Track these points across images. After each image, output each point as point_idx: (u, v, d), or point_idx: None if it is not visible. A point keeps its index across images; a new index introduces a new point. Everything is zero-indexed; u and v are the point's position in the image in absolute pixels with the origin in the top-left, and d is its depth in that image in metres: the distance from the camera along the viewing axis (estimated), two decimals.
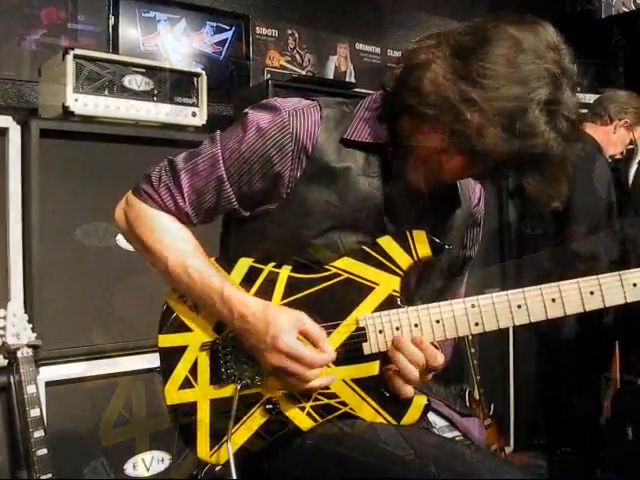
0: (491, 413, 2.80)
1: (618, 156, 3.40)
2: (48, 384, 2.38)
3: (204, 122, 2.81)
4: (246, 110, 1.46)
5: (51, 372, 2.40)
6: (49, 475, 2.17)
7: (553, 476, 2.97)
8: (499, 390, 3.32)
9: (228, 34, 3.50)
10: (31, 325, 2.24)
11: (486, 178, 1.43)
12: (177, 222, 1.47)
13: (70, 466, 2.38)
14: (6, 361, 2.25)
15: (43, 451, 2.17)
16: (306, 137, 1.39)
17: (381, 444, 1.29)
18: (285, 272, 1.42)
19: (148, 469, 2.59)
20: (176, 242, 1.44)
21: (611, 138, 3.36)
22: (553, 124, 1.21)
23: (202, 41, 3.44)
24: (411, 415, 1.36)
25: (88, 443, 2.44)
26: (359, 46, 3.99)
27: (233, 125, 1.47)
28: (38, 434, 2.16)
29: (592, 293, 1.29)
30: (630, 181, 3.53)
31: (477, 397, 2.80)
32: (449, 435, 1.50)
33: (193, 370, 1.44)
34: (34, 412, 2.17)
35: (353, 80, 3.92)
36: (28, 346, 2.21)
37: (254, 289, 1.42)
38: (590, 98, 3.72)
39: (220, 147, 1.43)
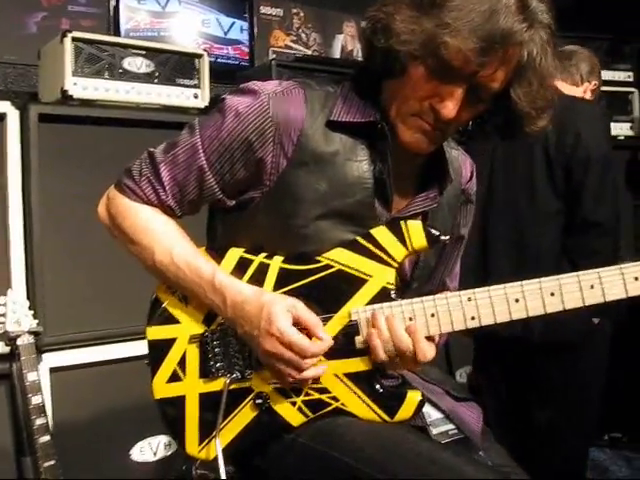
0: None
1: None
2: (52, 370, 2.38)
3: (207, 104, 2.77)
4: (224, 95, 1.41)
5: (55, 358, 2.40)
6: (52, 462, 2.17)
7: None
8: None
9: (233, 15, 3.43)
10: (32, 312, 2.22)
11: (481, 118, 1.37)
12: (161, 214, 1.43)
13: (75, 452, 2.37)
14: (8, 348, 2.24)
15: (46, 438, 2.17)
16: (289, 121, 1.34)
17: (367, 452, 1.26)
18: (276, 263, 1.38)
19: (155, 454, 2.59)
20: (162, 234, 1.41)
21: None
22: (529, 22, 1.22)
23: (206, 22, 3.37)
24: (405, 411, 1.33)
25: (93, 428, 2.45)
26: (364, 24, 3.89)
27: (211, 112, 1.42)
28: (40, 421, 2.16)
29: (592, 287, 1.24)
30: None
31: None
32: (443, 428, 1.45)
33: (182, 363, 1.41)
34: (36, 399, 2.16)
35: (361, 59, 3.82)
36: (29, 333, 2.20)
37: (245, 280, 1.38)
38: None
39: (199, 136, 1.39)
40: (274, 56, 3.45)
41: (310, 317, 1.31)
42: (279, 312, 1.29)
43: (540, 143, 2.48)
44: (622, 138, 3.72)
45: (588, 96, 2.84)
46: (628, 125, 3.75)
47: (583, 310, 1.26)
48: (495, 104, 1.32)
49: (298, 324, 1.30)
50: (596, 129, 2.50)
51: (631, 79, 3.83)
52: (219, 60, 3.31)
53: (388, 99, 1.35)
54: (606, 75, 3.70)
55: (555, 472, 2.52)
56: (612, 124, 3.62)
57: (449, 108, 1.26)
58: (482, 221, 2.56)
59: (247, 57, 3.44)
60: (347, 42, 3.85)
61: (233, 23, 3.42)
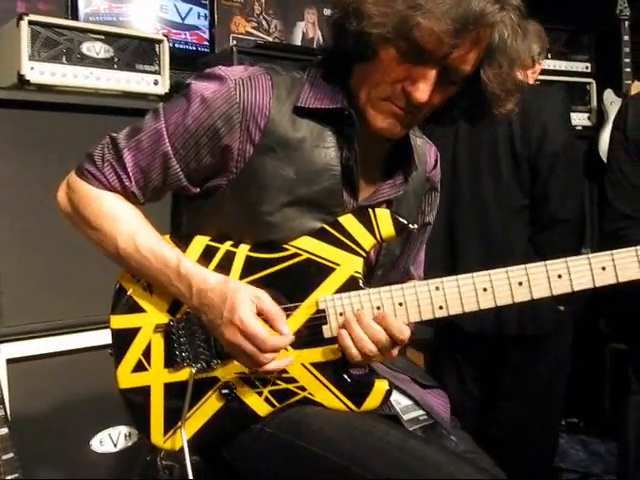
0: None
1: None
2: (9, 361, 2.33)
3: (167, 90, 2.72)
4: (189, 80, 1.38)
5: (12, 349, 2.34)
6: (11, 454, 2.12)
7: None
8: None
9: (190, 1, 3.38)
10: None
11: (450, 101, 1.37)
12: (124, 201, 1.40)
13: (34, 444, 2.33)
14: None
15: (4, 430, 2.12)
16: (256, 107, 1.32)
17: (335, 441, 1.26)
18: (243, 251, 1.36)
19: (115, 445, 2.56)
20: (125, 221, 1.38)
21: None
22: (500, 4, 1.23)
23: (164, 7, 3.32)
24: (372, 400, 1.33)
25: (52, 420, 2.41)
26: (328, 12, 3.87)
27: (175, 97, 1.39)
28: None
29: (560, 276, 1.25)
30: (603, 151, 3.44)
31: None
32: (413, 414, 1.46)
33: (147, 353, 1.39)
34: None
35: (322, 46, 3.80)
36: None
37: (211, 268, 1.36)
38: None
39: (164, 121, 1.36)
40: (235, 42, 3.41)
41: (273, 309, 1.30)
42: (242, 301, 1.27)
43: (504, 135, 2.47)
44: (580, 128, 3.76)
45: (531, 81, 2.77)
46: (586, 115, 3.80)
47: (550, 299, 1.27)
48: (464, 87, 1.32)
49: (261, 315, 1.29)
50: (562, 120, 2.49)
51: (589, 70, 3.87)
52: (177, 45, 3.26)
53: (358, 84, 1.34)
54: (564, 66, 3.76)
55: (526, 460, 2.55)
56: (571, 114, 3.67)
57: (422, 90, 1.25)
58: (448, 218, 2.55)
59: (205, 43, 3.40)
60: (308, 29, 3.82)
61: (190, 9, 3.37)
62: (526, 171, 2.47)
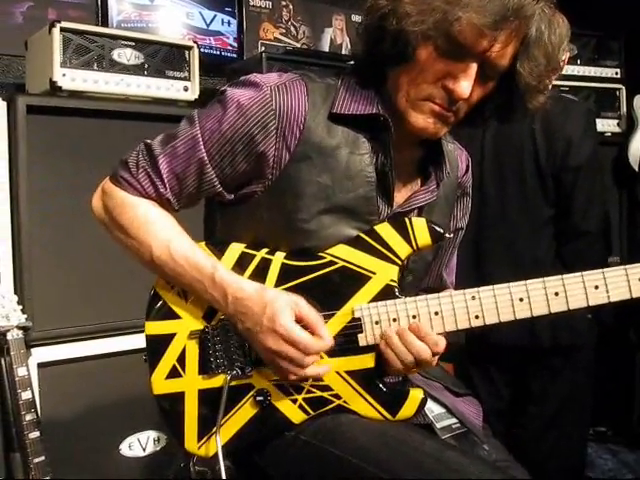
0: None
1: None
2: (40, 365, 2.35)
3: (196, 96, 2.74)
4: (224, 87, 1.39)
5: (43, 353, 2.37)
6: (42, 458, 2.15)
7: None
8: None
9: (215, 9, 3.43)
10: (21, 306, 2.20)
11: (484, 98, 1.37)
12: (159, 208, 1.41)
13: (64, 448, 2.35)
14: None
15: (35, 434, 2.15)
16: (291, 114, 1.32)
17: (370, 451, 1.25)
18: (278, 259, 1.36)
19: (144, 449, 2.58)
20: (159, 229, 1.38)
21: None
22: None
23: (192, 14, 3.35)
24: (407, 409, 1.32)
25: (82, 424, 2.43)
26: (355, 18, 3.88)
27: (210, 103, 1.39)
28: (30, 417, 2.14)
29: (597, 287, 1.24)
30: (633, 158, 3.40)
31: None
32: (446, 422, 1.45)
33: (181, 359, 1.40)
34: (25, 395, 2.14)
35: (350, 52, 3.81)
36: (18, 328, 2.18)
37: (246, 275, 1.36)
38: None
39: (199, 127, 1.36)
40: (263, 49, 3.43)
41: (312, 315, 1.30)
42: (282, 309, 1.28)
43: (529, 149, 2.46)
44: (609, 135, 3.73)
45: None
46: (615, 122, 3.75)
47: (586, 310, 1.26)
48: (498, 83, 1.32)
49: (300, 322, 1.29)
50: (587, 134, 2.46)
51: (619, 75, 3.83)
52: (202, 50, 3.28)
53: (395, 88, 1.33)
54: (594, 71, 3.72)
55: (555, 468, 2.53)
56: (600, 120, 3.63)
57: (464, 86, 1.25)
58: (476, 230, 2.53)
59: (229, 47, 3.43)
60: (336, 35, 3.83)
61: (215, 16, 3.41)
62: (550, 184, 2.45)
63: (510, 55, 1.26)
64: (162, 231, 1.39)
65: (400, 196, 1.42)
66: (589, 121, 2.52)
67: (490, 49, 1.22)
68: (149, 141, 1.41)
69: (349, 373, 1.34)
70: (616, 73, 3.84)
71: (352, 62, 1.47)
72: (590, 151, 2.44)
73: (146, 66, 2.62)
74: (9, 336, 2.15)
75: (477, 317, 1.28)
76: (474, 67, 1.24)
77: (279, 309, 1.27)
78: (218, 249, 1.40)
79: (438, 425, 1.43)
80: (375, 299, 1.33)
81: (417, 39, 1.23)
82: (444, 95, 1.27)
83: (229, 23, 3.45)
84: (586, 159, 2.42)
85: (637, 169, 3.25)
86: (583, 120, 2.48)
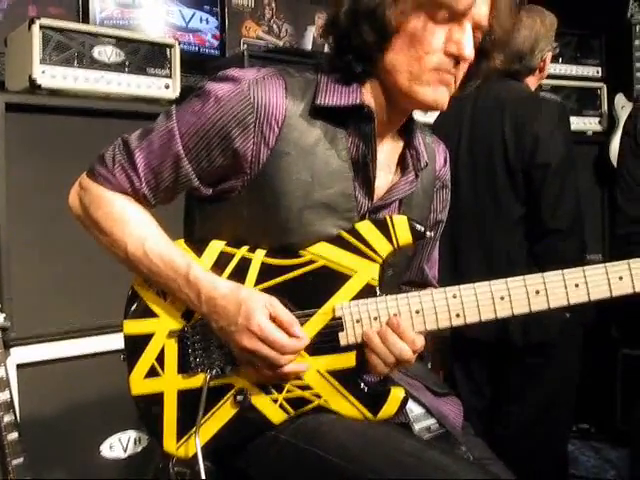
0: None
1: None
2: (19, 366, 2.32)
3: (177, 95, 2.72)
4: (202, 83, 1.37)
5: (22, 353, 2.34)
6: (21, 459, 2.12)
7: None
8: None
9: (194, 7, 3.42)
10: (0, 306, 2.18)
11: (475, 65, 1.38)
12: (135, 204, 1.39)
13: (44, 449, 2.33)
14: None
15: (14, 435, 2.12)
16: (269, 109, 1.30)
17: (351, 450, 1.25)
18: (258, 257, 1.35)
19: (125, 450, 2.55)
20: (134, 225, 1.37)
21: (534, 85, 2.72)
22: None
23: (172, 12, 3.33)
24: (388, 409, 1.31)
25: (62, 425, 2.41)
26: None
27: (189, 98, 1.38)
28: (8, 418, 2.11)
29: (577, 285, 1.23)
30: (613, 156, 3.42)
31: None
32: (425, 423, 1.45)
33: (160, 358, 1.38)
34: (3, 395, 2.11)
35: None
36: None
37: (226, 274, 1.35)
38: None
39: (176, 121, 1.34)
40: (245, 47, 3.42)
41: (286, 315, 1.29)
42: (257, 308, 1.27)
43: (498, 145, 2.45)
44: (590, 134, 3.75)
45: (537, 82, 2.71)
46: (597, 120, 3.77)
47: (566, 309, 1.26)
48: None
49: (274, 321, 1.28)
50: (558, 131, 2.44)
51: (600, 74, 3.85)
52: (182, 47, 3.27)
53: (391, 71, 1.31)
54: (575, 70, 3.74)
55: (537, 466, 2.54)
56: (581, 119, 3.65)
57: (467, 45, 1.27)
58: (451, 228, 2.53)
59: (206, 44, 3.42)
60: (319, 34, 3.82)
61: (194, 14, 3.40)
62: (520, 181, 2.45)
63: (487, 15, 1.30)
64: (137, 228, 1.37)
65: (380, 188, 1.41)
66: (561, 118, 2.50)
67: (472, 10, 1.26)
68: (126, 136, 1.40)
69: (330, 372, 1.33)
70: (597, 72, 3.86)
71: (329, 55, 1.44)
72: (560, 149, 2.42)
73: (127, 64, 2.60)
74: None
75: (458, 315, 1.27)
76: (469, 26, 1.27)
77: (254, 308, 1.26)
78: (197, 247, 1.39)
79: (417, 426, 1.42)
80: (356, 297, 1.31)
81: (406, 12, 1.25)
82: (448, 60, 1.28)
83: (207, 21, 3.44)
84: (555, 156, 2.40)
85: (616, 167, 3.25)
86: (554, 117, 2.46)
